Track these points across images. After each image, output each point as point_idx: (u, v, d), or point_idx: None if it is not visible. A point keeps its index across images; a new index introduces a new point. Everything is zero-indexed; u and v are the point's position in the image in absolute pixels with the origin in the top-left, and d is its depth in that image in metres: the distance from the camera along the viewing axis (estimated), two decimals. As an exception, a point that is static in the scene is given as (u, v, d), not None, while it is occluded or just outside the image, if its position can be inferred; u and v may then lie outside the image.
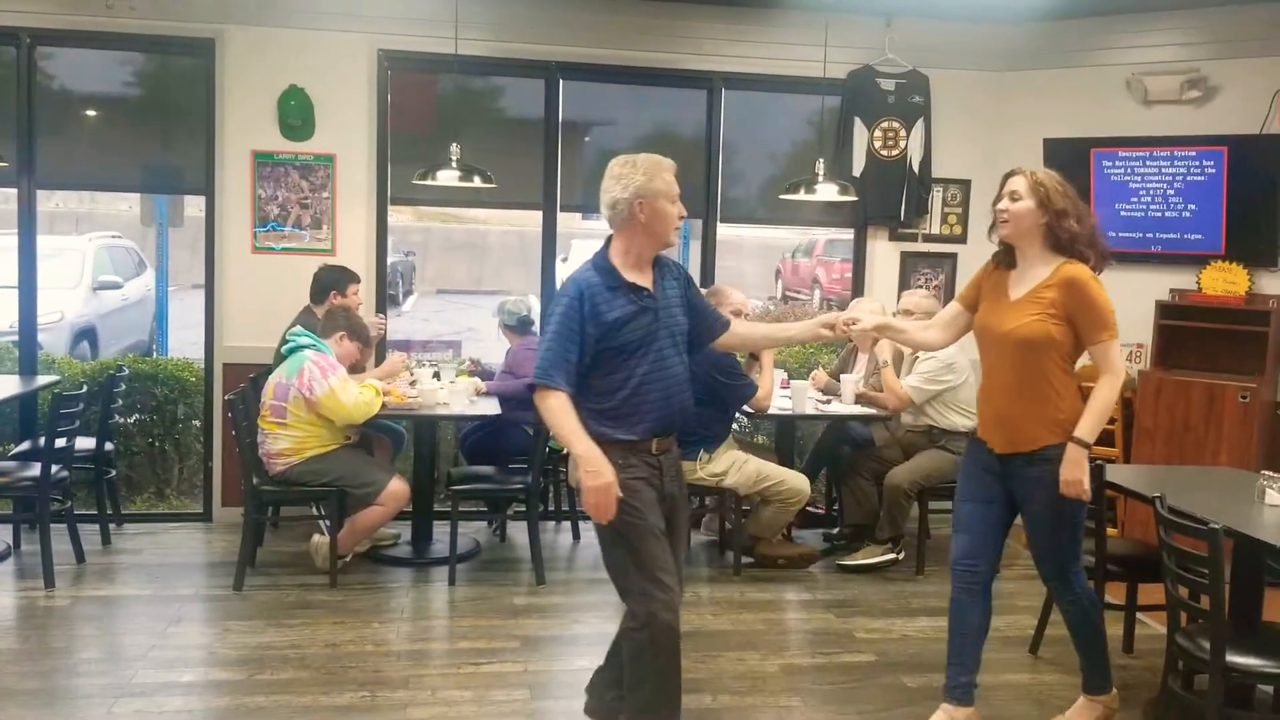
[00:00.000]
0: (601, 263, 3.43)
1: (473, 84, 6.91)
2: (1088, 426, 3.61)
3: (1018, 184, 3.67)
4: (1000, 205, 3.72)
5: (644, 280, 3.44)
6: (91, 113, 6.71)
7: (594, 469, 3.28)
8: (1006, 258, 3.79)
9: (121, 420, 6.57)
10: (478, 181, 5.97)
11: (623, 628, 3.49)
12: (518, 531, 6.30)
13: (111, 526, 6.07)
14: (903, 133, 6.82)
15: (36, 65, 6.21)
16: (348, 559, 5.60)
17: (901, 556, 5.92)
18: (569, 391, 3.32)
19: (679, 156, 3.58)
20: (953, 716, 3.86)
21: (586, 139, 7.06)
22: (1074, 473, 3.60)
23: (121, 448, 6.52)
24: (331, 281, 5.88)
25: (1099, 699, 4.01)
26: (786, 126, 7.28)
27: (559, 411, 3.31)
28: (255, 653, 4.54)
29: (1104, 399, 3.62)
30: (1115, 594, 4.52)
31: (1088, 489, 3.63)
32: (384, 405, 5.41)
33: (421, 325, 15.31)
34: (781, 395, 6.05)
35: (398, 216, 6.91)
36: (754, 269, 19.17)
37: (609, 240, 3.47)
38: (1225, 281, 6.09)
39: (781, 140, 7.28)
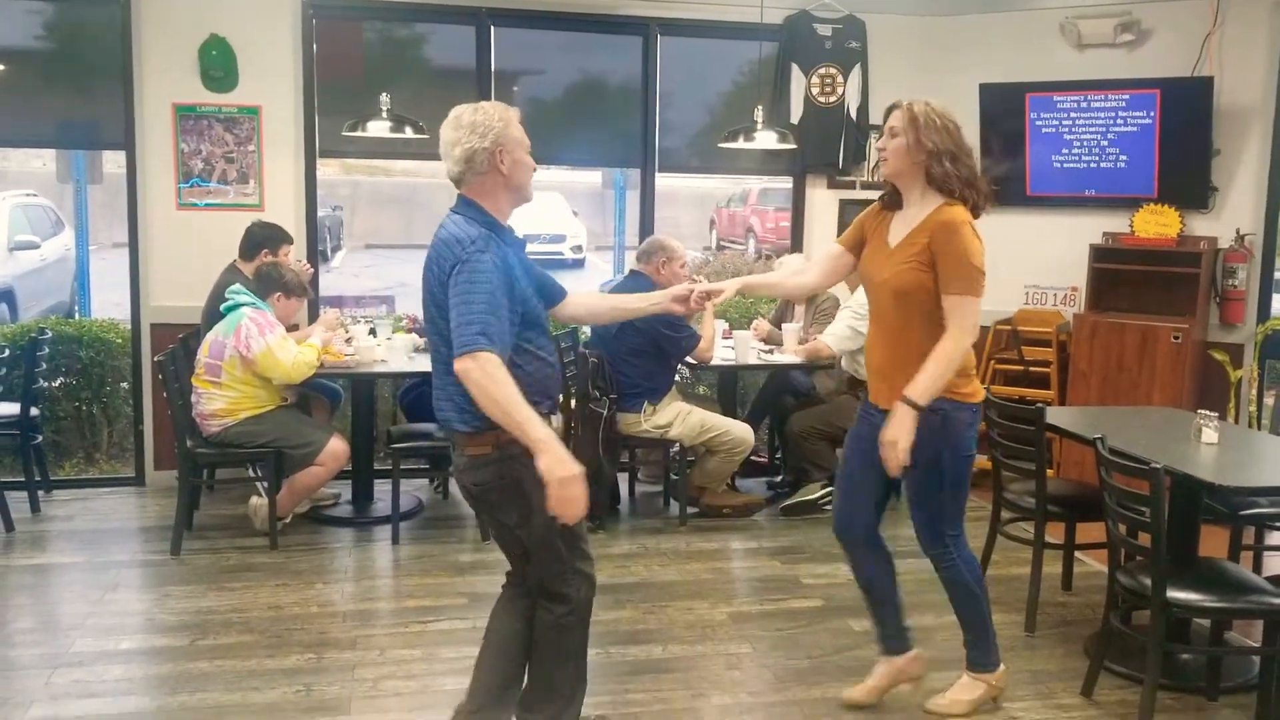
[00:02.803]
0: (487, 218, 3.00)
1: (401, 32, 6.74)
2: (920, 386, 3.26)
3: (896, 119, 3.40)
4: (879, 143, 3.52)
5: None
6: (0, 66, 6.43)
7: (562, 457, 2.78)
8: (893, 198, 3.52)
9: (46, 384, 6.38)
10: (409, 132, 5.84)
11: (551, 621, 3.13)
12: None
13: (40, 493, 5.91)
14: (840, 79, 6.77)
15: (-59, 16, 5.95)
16: (287, 520, 5.52)
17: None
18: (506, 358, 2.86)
19: (615, 105, 3.46)
20: (893, 664, 3.77)
21: (516, 88, 6.91)
22: (893, 433, 3.27)
23: (47, 412, 6.34)
24: (265, 239, 5.73)
25: (982, 677, 3.74)
26: (723, 74, 7.19)
27: (506, 384, 2.79)
28: (196, 618, 4.46)
29: (943, 356, 3.27)
30: (1054, 534, 4.59)
31: (905, 454, 3.27)
32: (321, 364, 5.32)
33: (352, 281, 15.08)
34: (724, 345, 6.05)
35: (324, 170, 6.74)
36: (690, 218, 19.18)
37: (465, 201, 3.04)
38: (1158, 224, 6.16)
39: (718, 88, 7.19)
